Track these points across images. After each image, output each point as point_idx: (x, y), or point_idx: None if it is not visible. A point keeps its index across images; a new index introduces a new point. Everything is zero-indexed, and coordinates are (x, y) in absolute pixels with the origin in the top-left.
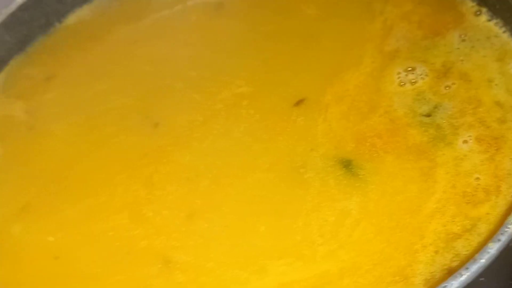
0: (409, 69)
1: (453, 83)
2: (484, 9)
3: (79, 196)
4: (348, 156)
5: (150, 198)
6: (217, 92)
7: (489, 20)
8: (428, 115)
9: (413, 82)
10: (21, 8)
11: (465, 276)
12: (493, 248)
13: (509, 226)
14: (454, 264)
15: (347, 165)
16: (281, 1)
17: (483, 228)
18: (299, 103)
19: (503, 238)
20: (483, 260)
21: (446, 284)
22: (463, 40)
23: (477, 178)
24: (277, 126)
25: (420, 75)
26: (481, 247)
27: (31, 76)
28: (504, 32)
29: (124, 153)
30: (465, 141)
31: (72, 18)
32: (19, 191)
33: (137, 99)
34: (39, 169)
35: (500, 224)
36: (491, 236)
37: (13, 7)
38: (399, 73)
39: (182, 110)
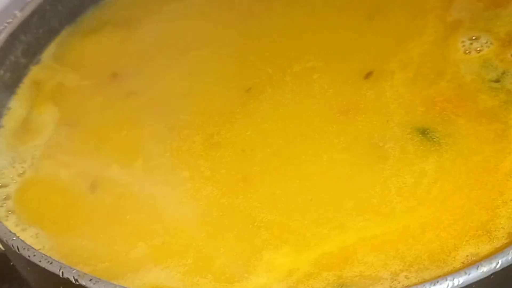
0: (474, 37)
1: None
2: None
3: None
4: (422, 122)
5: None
6: (287, 66)
7: None
8: (497, 81)
9: (478, 50)
10: None
11: None
12: None
13: None
14: None
15: (423, 131)
16: None
17: None
18: (368, 75)
19: None
20: None
21: None
22: None
23: None
24: (350, 101)
25: (486, 43)
26: None
27: (81, 46)
28: None
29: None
30: None
31: None
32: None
33: None
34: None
35: None
36: None
37: None
38: (463, 41)
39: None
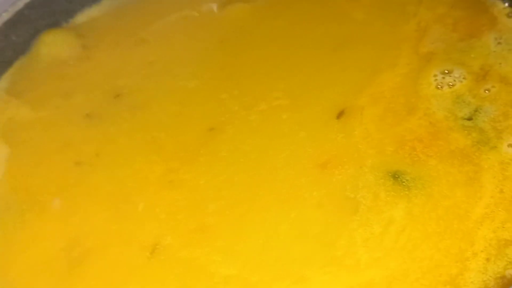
0: (446, 71)
1: (493, 86)
2: None
3: None
4: (393, 163)
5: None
6: (253, 103)
7: None
8: (470, 119)
9: (451, 85)
10: (29, 6)
11: None
12: None
13: None
14: (508, 272)
15: (394, 175)
16: (311, 5)
17: None
18: (340, 115)
19: None
20: None
21: None
22: (499, 43)
23: None
24: (324, 149)
25: (458, 77)
26: None
27: (36, 76)
28: None
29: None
30: (510, 145)
31: (80, 18)
32: None
33: None
34: None
35: None
36: None
37: (20, 4)
38: (436, 75)
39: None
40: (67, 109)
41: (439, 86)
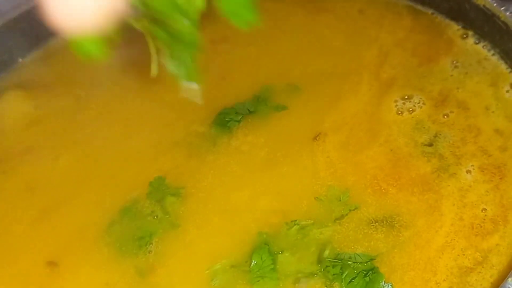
0: (406, 97)
1: (451, 112)
2: (470, 32)
3: None
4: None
5: None
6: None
7: (477, 43)
8: (430, 145)
9: (410, 110)
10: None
11: None
12: None
13: None
14: None
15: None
16: (270, 29)
17: (495, 260)
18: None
19: None
20: None
21: None
22: (456, 67)
23: (484, 209)
24: None
25: (418, 103)
26: (495, 280)
27: None
28: (493, 55)
29: None
30: (468, 171)
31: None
32: None
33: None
34: None
35: None
36: (503, 268)
37: None
38: (396, 101)
39: None
40: None
41: (399, 112)
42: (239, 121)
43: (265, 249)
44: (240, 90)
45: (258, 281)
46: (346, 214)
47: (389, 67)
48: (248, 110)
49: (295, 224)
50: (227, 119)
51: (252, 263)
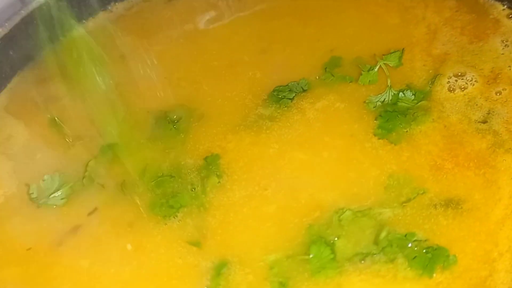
0: (459, 74)
1: (504, 89)
2: None
3: None
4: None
5: None
6: None
7: None
8: (484, 122)
9: (462, 88)
10: (25, 20)
11: None
12: None
13: None
14: None
15: None
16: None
17: None
18: None
19: None
20: None
21: None
22: (506, 45)
23: None
24: None
25: (470, 80)
26: None
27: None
28: None
29: None
30: None
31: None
32: None
33: None
34: None
35: None
36: None
37: (17, 18)
38: (449, 77)
39: None
40: None
41: (452, 89)
42: (292, 99)
43: (321, 241)
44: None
45: (319, 271)
46: (414, 198)
47: (439, 44)
48: (302, 88)
49: (346, 210)
50: (280, 96)
51: (311, 255)
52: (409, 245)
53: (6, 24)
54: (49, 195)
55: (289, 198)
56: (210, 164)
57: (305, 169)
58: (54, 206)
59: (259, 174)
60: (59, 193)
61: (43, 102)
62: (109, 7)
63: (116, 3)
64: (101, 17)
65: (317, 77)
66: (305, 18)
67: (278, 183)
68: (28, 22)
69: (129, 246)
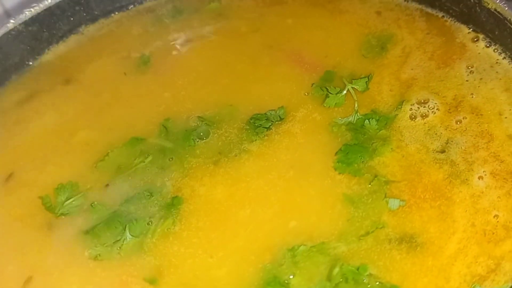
0: (422, 101)
1: (464, 118)
2: (481, 35)
3: None
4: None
5: None
6: None
7: (488, 47)
8: (442, 151)
9: (424, 116)
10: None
11: None
12: None
13: None
14: None
15: None
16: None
17: (508, 267)
18: None
19: None
20: None
21: None
22: (471, 72)
23: (496, 215)
24: None
25: (432, 108)
26: None
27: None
28: (504, 58)
29: None
30: (480, 177)
31: (47, 56)
32: None
33: None
34: None
35: None
36: None
37: None
38: (412, 104)
39: None
40: None
41: (413, 117)
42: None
43: (275, 282)
44: None
45: None
46: (372, 232)
47: (408, 68)
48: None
49: (300, 246)
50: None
51: None
52: (364, 280)
53: None
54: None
55: (244, 242)
56: (173, 207)
57: (261, 208)
58: None
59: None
60: None
61: None
62: (80, 30)
63: (87, 26)
64: (72, 39)
65: (305, 94)
66: None
67: (233, 229)
68: None
69: None
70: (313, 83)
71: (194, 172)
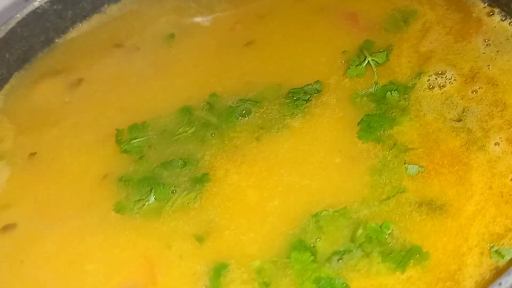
0: (440, 72)
1: (480, 88)
2: (496, 9)
3: None
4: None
5: None
6: None
7: (503, 20)
8: (459, 120)
9: (441, 86)
10: (21, 24)
11: None
12: None
13: None
14: (501, 263)
15: None
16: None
17: None
18: None
19: None
20: None
21: (500, 281)
22: (488, 45)
23: None
24: None
25: (449, 79)
26: None
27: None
28: None
29: None
30: (496, 143)
31: (72, 33)
32: None
33: None
34: None
35: None
36: None
37: (12, 22)
38: (430, 75)
39: None
40: None
41: (431, 87)
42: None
43: (301, 245)
44: None
45: (300, 273)
46: (393, 196)
47: (427, 42)
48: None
49: (323, 211)
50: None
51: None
52: (386, 237)
53: (2, 27)
54: None
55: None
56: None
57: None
58: None
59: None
60: None
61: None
62: (103, 9)
63: (110, 5)
64: (95, 19)
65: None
66: None
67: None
68: (23, 25)
69: None
70: (344, 50)
71: (233, 154)
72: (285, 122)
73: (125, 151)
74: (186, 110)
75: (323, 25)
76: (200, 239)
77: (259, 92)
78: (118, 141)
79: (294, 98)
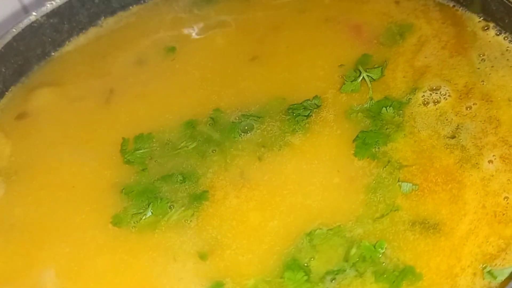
0: (434, 88)
1: (474, 104)
2: (491, 24)
3: None
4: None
5: None
6: None
7: (498, 35)
8: (453, 137)
9: (436, 102)
10: (17, 38)
11: None
12: None
13: None
14: (493, 285)
15: None
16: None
17: None
18: None
19: None
20: None
21: None
22: (483, 60)
23: (506, 197)
24: None
25: (444, 95)
26: None
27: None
28: None
29: None
30: (490, 161)
31: (68, 47)
32: None
33: None
34: None
35: None
36: None
37: (8, 36)
38: (424, 91)
39: None
40: None
41: (426, 103)
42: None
43: (295, 265)
44: None
45: None
46: (387, 214)
47: (422, 56)
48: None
49: (317, 230)
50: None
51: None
52: (380, 256)
53: None
54: None
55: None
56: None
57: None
58: None
59: None
60: None
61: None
62: (99, 22)
63: (106, 18)
64: (92, 32)
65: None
66: None
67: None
68: (19, 39)
69: None
70: (340, 64)
71: (234, 175)
72: (286, 139)
73: (128, 162)
74: (190, 124)
75: (327, 36)
76: (203, 256)
77: (261, 106)
78: (123, 151)
79: (295, 114)
